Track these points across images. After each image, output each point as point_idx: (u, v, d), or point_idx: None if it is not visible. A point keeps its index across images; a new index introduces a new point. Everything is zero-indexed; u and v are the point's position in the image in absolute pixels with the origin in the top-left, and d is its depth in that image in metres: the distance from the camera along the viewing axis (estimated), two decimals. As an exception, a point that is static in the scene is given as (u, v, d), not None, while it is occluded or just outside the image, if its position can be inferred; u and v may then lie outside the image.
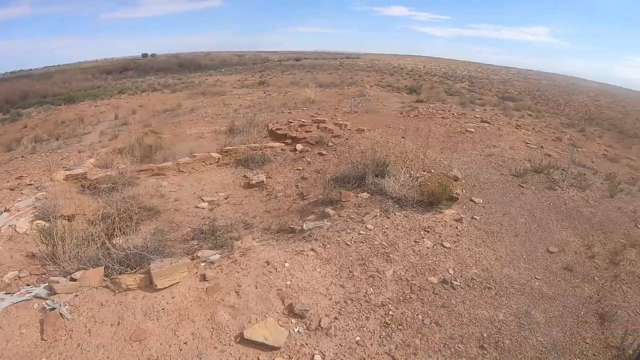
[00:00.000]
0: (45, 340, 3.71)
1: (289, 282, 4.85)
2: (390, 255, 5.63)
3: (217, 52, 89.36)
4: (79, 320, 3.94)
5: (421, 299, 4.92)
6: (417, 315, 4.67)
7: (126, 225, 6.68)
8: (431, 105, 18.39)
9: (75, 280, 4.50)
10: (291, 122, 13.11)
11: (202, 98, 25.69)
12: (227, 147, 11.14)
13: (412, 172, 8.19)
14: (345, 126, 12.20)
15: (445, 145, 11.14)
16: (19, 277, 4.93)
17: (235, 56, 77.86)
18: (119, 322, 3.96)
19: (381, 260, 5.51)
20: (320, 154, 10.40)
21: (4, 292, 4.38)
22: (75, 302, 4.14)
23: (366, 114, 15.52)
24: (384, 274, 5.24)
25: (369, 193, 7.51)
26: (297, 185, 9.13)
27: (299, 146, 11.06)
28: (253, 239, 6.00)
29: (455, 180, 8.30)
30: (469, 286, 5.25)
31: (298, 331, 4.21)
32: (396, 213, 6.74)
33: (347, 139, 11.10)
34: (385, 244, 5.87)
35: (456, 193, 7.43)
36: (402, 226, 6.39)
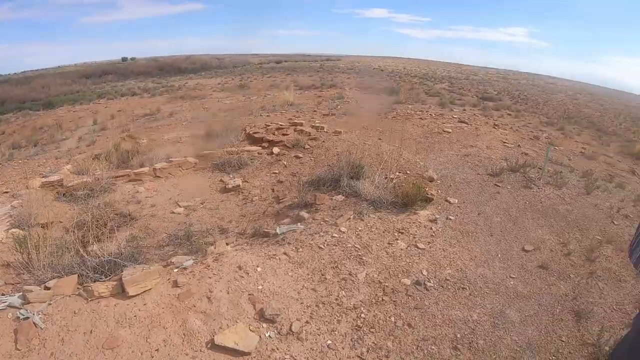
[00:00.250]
0: (19, 350, 3.59)
1: (260, 287, 4.72)
2: (363, 257, 5.52)
3: (198, 55, 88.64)
4: (52, 329, 3.82)
5: (394, 301, 4.82)
6: (389, 317, 4.57)
7: (101, 233, 6.42)
8: (409, 107, 18.41)
9: (49, 288, 4.38)
10: (269, 126, 12.97)
11: (181, 102, 25.41)
12: (204, 152, 10.99)
13: (387, 173, 8.12)
14: (322, 128, 12.11)
15: (422, 146, 11.12)
16: (-6, 286, 4.74)
17: (216, 59, 77.28)
18: (91, 331, 3.84)
19: (354, 262, 5.41)
20: (297, 157, 10.29)
21: (-20, 302, 4.24)
22: (49, 310, 4.02)
23: (344, 116, 15.47)
24: (356, 276, 5.13)
25: (344, 195, 7.41)
26: (273, 189, 9.00)
27: (275, 149, 10.93)
28: (227, 244, 5.91)
29: (430, 181, 8.26)
30: (442, 287, 5.17)
31: (269, 336, 4.10)
32: (370, 215, 6.64)
33: (323, 142, 11.01)
34: (358, 246, 5.76)
35: (431, 194, 7.37)
36: (376, 228, 6.30)
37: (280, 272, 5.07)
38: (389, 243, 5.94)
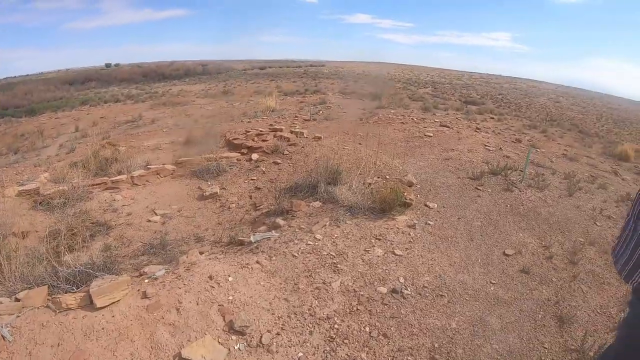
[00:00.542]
0: (-14, 363, 3.38)
1: (231, 297, 4.51)
2: (339, 265, 5.31)
3: (182, 61, 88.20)
4: (20, 342, 3.62)
5: (369, 311, 4.61)
6: (364, 327, 4.36)
7: (75, 242, 6.25)
8: (392, 111, 18.32)
9: (19, 300, 4.18)
10: (248, 132, 12.77)
11: (163, 108, 25.19)
12: (182, 159, 10.78)
13: (365, 178, 7.94)
14: (302, 134, 11.93)
15: (402, 150, 10.94)
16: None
17: (200, 65, 76.92)
18: (58, 344, 3.66)
19: (328, 271, 5.19)
20: (276, 163, 10.09)
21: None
22: (17, 323, 3.83)
23: (325, 121, 15.31)
24: (330, 285, 4.92)
25: (321, 202, 7.22)
26: (250, 196, 8.80)
27: (254, 156, 10.73)
28: (201, 253, 5.75)
29: (409, 186, 8.07)
30: (420, 295, 4.97)
31: (238, 348, 3.91)
32: (347, 221, 6.44)
33: (303, 147, 10.82)
34: (333, 254, 5.55)
35: (410, 198, 7.17)
36: (353, 235, 6.09)
37: (252, 281, 4.85)
38: (365, 250, 5.73)
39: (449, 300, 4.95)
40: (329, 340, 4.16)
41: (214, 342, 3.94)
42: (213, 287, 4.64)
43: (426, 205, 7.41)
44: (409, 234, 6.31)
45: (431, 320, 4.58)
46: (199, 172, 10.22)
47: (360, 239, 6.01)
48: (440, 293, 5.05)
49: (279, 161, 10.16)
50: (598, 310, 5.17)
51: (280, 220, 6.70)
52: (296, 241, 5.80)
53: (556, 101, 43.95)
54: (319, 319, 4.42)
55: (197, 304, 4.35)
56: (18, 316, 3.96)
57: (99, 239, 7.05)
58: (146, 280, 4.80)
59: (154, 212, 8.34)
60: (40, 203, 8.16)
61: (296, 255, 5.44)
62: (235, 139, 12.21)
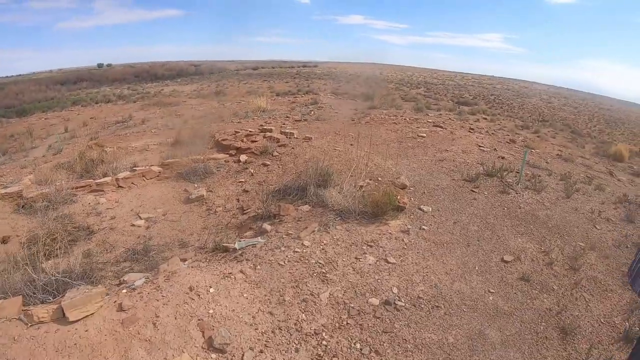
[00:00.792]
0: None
1: (211, 311, 4.20)
2: (328, 275, 4.98)
3: (175, 62, 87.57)
4: None
5: (360, 325, 4.29)
6: (354, 344, 4.04)
7: (57, 248, 5.92)
8: (384, 111, 18.11)
9: None
10: (238, 132, 12.45)
11: (154, 109, 24.79)
12: (169, 160, 10.41)
13: (356, 181, 7.61)
14: (293, 135, 11.62)
15: (395, 151, 10.65)
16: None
17: (192, 66, 76.38)
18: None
19: (317, 281, 4.86)
20: (265, 165, 9.75)
21: None
22: None
23: (317, 122, 15.02)
24: (319, 297, 4.59)
25: (310, 205, 6.90)
26: (238, 199, 8.46)
27: (243, 157, 10.39)
28: (184, 260, 5.48)
29: (403, 188, 7.77)
30: (414, 306, 4.65)
31: (217, 369, 3.57)
32: (337, 227, 6.11)
33: (293, 148, 10.51)
34: (322, 262, 5.22)
35: (403, 202, 6.86)
36: (343, 241, 5.77)
37: (235, 293, 4.53)
38: (356, 258, 5.41)
39: (446, 312, 4.64)
40: (316, 358, 3.85)
41: (192, 361, 3.63)
42: (193, 299, 4.33)
43: (420, 209, 7.11)
44: (403, 240, 5.99)
45: (427, 334, 4.27)
46: (185, 174, 9.87)
47: (351, 245, 5.69)
48: (436, 304, 4.74)
49: (268, 163, 9.83)
50: (602, 320, 4.91)
51: (267, 226, 6.38)
52: (283, 248, 5.47)
53: (548, 102, 44.00)
54: (306, 334, 4.10)
55: (176, 318, 4.05)
56: (-10, 328, 3.75)
57: (81, 243, 6.75)
58: (124, 291, 4.51)
59: (139, 216, 8.04)
60: (23, 206, 7.90)
61: (283, 263, 5.11)
62: (224, 139, 11.89)
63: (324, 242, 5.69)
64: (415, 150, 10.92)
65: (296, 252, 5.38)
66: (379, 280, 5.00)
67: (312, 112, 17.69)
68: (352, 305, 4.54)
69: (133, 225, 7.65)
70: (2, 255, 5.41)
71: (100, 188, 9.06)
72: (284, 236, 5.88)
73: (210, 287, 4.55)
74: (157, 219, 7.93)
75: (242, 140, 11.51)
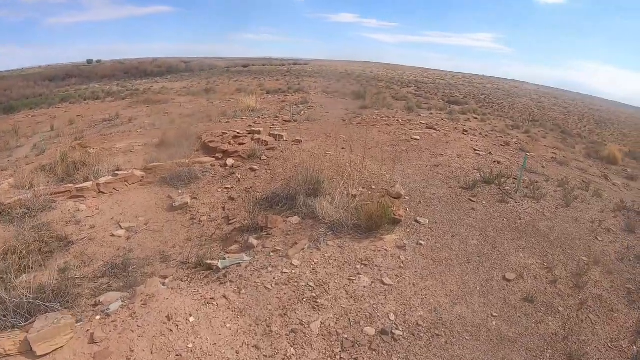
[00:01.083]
0: None
1: (191, 345, 3.83)
2: (319, 300, 4.59)
3: (165, 58, 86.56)
4: None
5: (355, 359, 3.91)
6: (349, 383, 3.66)
7: (34, 261, 5.72)
8: (376, 112, 17.74)
9: None
10: (225, 134, 12.02)
11: (142, 107, 24.27)
12: (152, 164, 9.93)
13: (349, 189, 7.22)
14: (282, 137, 11.20)
15: (389, 156, 10.25)
16: None
17: (182, 63, 75.61)
18: None
19: (307, 307, 4.47)
20: (252, 170, 9.33)
21: None
22: None
23: (307, 123, 14.58)
24: (309, 326, 4.21)
25: (300, 217, 6.52)
26: (224, 207, 8.04)
27: (229, 161, 9.96)
28: (166, 277, 5.25)
29: (398, 198, 7.40)
30: (413, 335, 4.28)
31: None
32: (328, 243, 5.72)
33: (282, 152, 10.10)
34: (313, 285, 4.83)
35: (399, 214, 6.47)
36: (335, 259, 5.38)
37: (217, 323, 4.14)
38: (349, 279, 5.02)
39: (447, 341, 4.28)
40: (307, 400, 3.46)
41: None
42: (171, 330, 3.97)
43: (417, 221, 6.74)
44: (399, 257, 5.62)
45: (427, 368, 3.91)
46: (169, 179, 9.41)
47: (343, 264, 5.30)
48: (437, 332, 4.38)
49: (255, 167, 9.40)
50: (609, 345, 4.63)
51: (253, 240, 5.99)
52: (270, 269, 5.08)
53: (538, 102, 44.00)
54: (296, 372, 3.71)
55: (152, 353, 3.72)
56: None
57: (58, 255, 6.36)
58: (97, 317, 4.20)
59: (119, 225, 7.62)
60: (0, 213, 7.46)
61: (270, 287, 4.72)
62: (211, 141, 11.47)
63: (315, 260, 5.30)
64: (409, 155, 10.57)
65: (284, 273, 4.99)
66: (374, 306, 4.62)
67: (302, 112, 17.28)
68: (346, 335, 4.16)
69: (113, 235, 7.25)
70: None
71: (80, 194, 8.61)
72: (271, 253, 5.49)
73: (190, 315, 4.18)
74: (139, 229, 7.54)
75: (230, 143, 11.09)
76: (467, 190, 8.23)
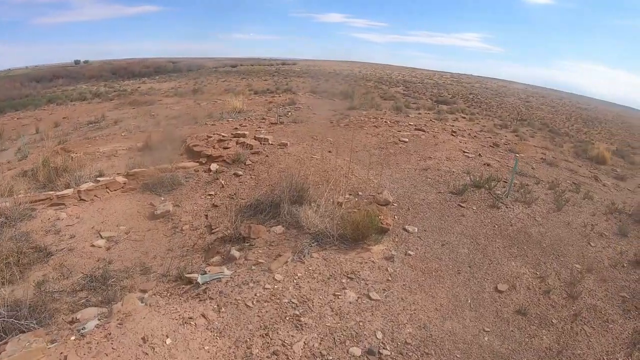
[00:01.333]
0: None
1: (166, 369, 3.54)
2: (302, 318, 4.33)
3: (153, 58, 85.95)
4: None
5: (339, 384, 3.67)
6: (334, 411, 3.42)
7: (10, 274, 5.52)
8: (364, 113, 17.55)
9: None
10: (210, 137, 11.74)
11: (128, 108, 23.89)
12: (135, 170, 9.62)
13: (335, 196, 6.98)
14: (267, 141, 10.94)
15: (376, 159, 10.04)
16: None
17: (170, 63, 75.04)
18: None
19: (290, 326, 4.21)
20: (236, 175, 9.05)
21: None
22: None
23: (293, 125, 14.34)
24: (291, 348, 3.95)
25: (283, 226, 6.27)
26: (206, 215, 7.77)
27: (214, 166, 9.67)
28: (145, 291, 5.09)
29: (385, 205, 7.17)
30: (401, 354, 4.04)
31: None
32: (313, 255, 5.47)
33: (267, 156, 9.83)
34: (296, 301, 4.57)
35: (387, 223, 6.25)
36: (319, 273, 5.12)
37: (195, 345, 3.88)
38: (334, 294, 4.77)
39: (437, 360, 4.04)
40: None
41: None
42: (147, 353, 3.72)
43: (405, 230, 6.52)
44: (387, 270, 5.38)
45: (416, 392, 3.68)
46: (152, 186, 9.13)
47: (328, 278, 5.05)
48: (426, 350, 4.14)
49: (240, 173, 9.13)
50: (605, 358, 4.47)
51: (235, 251, 5.74)
52: (252, 284, 4.82)
53: (526, 101, 44.16)
54: (277, 399, 3.47)
55: None
56: None
57: (37, 267, 6.11)
58: (72, 338, 3.97)
59: (100, 235, 7.34)
60: None
61: (251, 305, 4.46)
62: (195, 145, 11.18)
63: (298, 275, 5.05)
64: (397, 158, 10.36)
65: (266, 289, 4.73)
66: (360, 323, 4.37)
67: (289, 114, 17.05)
68: (331, 357, 3.90)
69: (93, 245, 6.95)
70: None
71: (61, 201, 8.30)
72: (253, 267, 5.23)
73: (167, 336, 3.93)
74: (119, 238, 7.26)
75: (214, 147, 10.82)
76: (456, 195, 8.02)
